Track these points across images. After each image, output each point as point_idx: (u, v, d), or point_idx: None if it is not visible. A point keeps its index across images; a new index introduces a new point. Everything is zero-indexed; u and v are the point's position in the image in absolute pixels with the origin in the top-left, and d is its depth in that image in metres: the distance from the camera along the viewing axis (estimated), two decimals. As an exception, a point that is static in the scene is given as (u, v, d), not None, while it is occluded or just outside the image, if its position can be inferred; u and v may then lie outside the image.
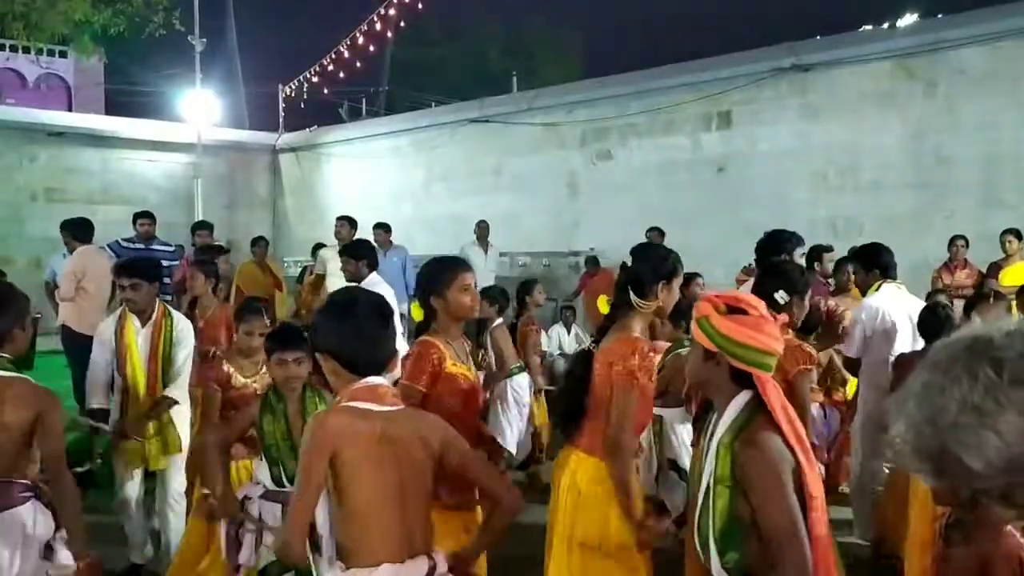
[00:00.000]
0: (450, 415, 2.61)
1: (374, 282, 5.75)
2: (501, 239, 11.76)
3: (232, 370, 4.04)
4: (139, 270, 4.60)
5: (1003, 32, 9.49)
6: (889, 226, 9.90)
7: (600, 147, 13.09)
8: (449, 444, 2.26)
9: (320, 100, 20.25)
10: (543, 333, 8.63)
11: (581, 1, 40.11)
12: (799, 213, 10.84)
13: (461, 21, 30.27)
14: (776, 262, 3.59)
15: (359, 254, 6.08)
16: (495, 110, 14.59)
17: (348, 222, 8.99)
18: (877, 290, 4.84)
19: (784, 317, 3.20)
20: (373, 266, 6.08)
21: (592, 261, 11.18)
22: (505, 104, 14.88)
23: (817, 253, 6.73)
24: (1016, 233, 8.03)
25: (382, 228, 10.39)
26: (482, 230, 11.21)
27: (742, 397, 2.11)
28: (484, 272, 11.00)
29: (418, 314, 3.12)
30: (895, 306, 4.74)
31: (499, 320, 5.94)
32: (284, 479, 3.27)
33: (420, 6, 17.84)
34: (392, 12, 17.94)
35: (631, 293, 2.96)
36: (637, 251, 3.27)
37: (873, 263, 4.97)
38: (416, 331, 3.15)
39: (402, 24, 18.90)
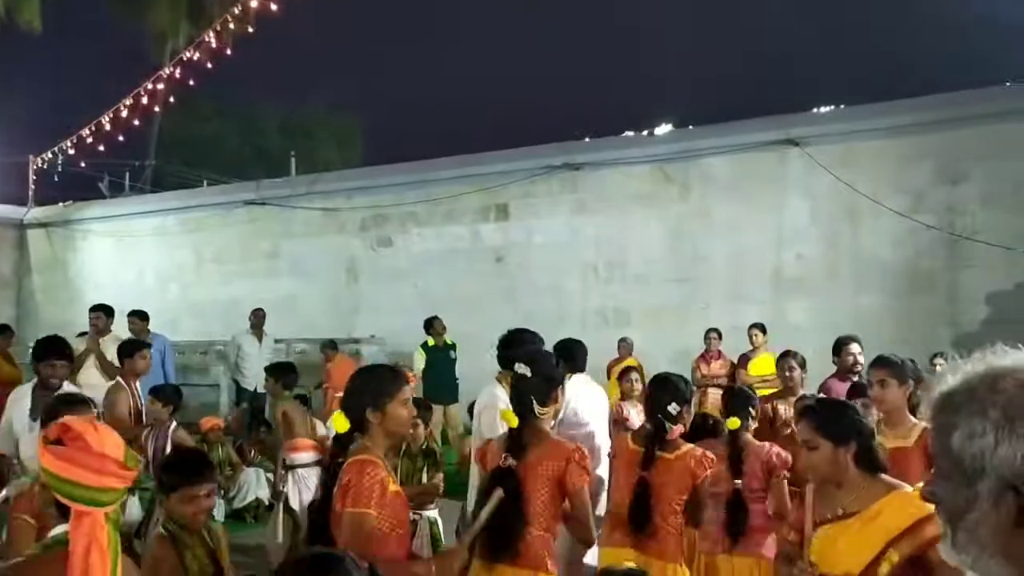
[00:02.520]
0: (394, 535, 2.68)
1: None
2: (277, 325, 11.33)
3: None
4: None
5: (743, 145, 10.65)
6: (654, 317, 10.63)
7: (380, 233, 13.10)
8: None
9: (77, 173, 18.80)
10: (319, 423, 8.31)
11: (362, 86, 40.66)
12: (573, 303, 11.41)
13: (237, 98, 29.49)
14: (661, 374, 3.92)
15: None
16: (272, 192, 14.25)
17: (104, 311, 8.26)
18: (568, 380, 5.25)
19: (679, 428, 3.63)
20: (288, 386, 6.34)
21: (330, 345, 10.56)
22: (283, 187, 14.58)
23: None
24: (761, 327, 8.85)
25: (137, 316, 9.36)
26: (258, 318, 10.70)
27: (57, 529, 1.96)
28: (259, 362, 10.51)
29: (342, 425, 2.84)
30: (582, 395, 5.05)
31: (173, 424, 5.37)
32: None
33: (192, 82, 17.20)
34: (161, 87, 17.18)
35: (534, 403, 3.18)
36: (530, 362, 3.31)
37: (564, 357, 5.38)
38: (338, 443, 2.88)
39: (171, 100, 18.14)
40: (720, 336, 9.08)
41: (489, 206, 12.15)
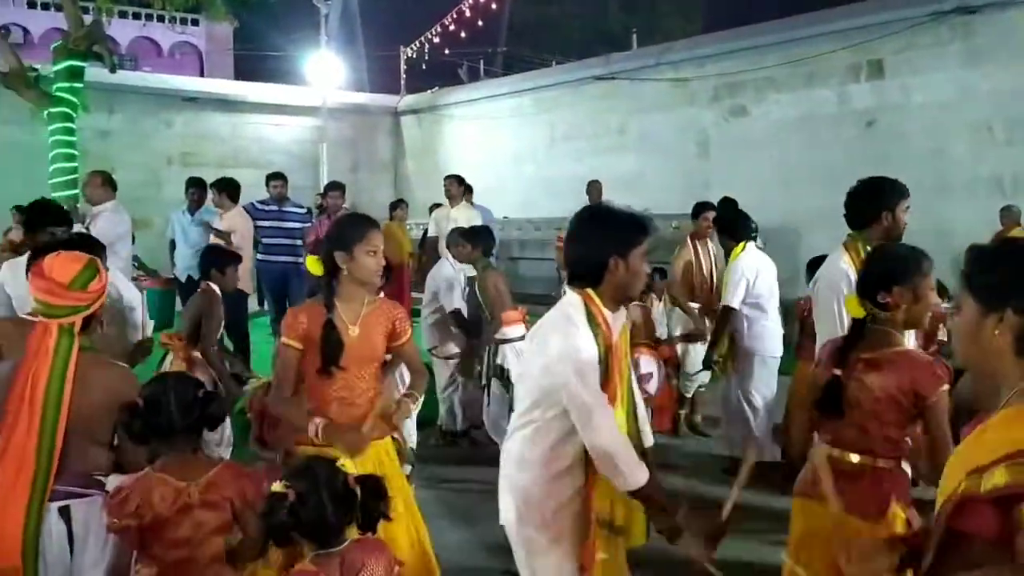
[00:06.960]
0: None
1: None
2: (627, 201, 11.13)
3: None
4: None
5: None
6: (1066, 183, 8.97)
7: (733, 103, 12.39)
8: None
9: (439, 62, 20.11)
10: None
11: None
12: (959, 171, 9.99)
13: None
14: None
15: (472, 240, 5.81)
16: (621, 66, 14.04)
17: (456, 180, 8.69)
18: (743, 250, 5.36)
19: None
20: (487, 252, 5.78)
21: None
22: (631, 60, 14.30)
23: None
24: None
25: (455, 180, 8.96)
26: (596, 191, 10.52)
27: None
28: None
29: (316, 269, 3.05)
30: (763, 263, 5.37)
31: None
32: None
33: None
34: (513, -31, 17.53)
35: None
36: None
37: (727, 229, 5.60)
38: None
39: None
40: None
41: (860, 63, 10.87)
